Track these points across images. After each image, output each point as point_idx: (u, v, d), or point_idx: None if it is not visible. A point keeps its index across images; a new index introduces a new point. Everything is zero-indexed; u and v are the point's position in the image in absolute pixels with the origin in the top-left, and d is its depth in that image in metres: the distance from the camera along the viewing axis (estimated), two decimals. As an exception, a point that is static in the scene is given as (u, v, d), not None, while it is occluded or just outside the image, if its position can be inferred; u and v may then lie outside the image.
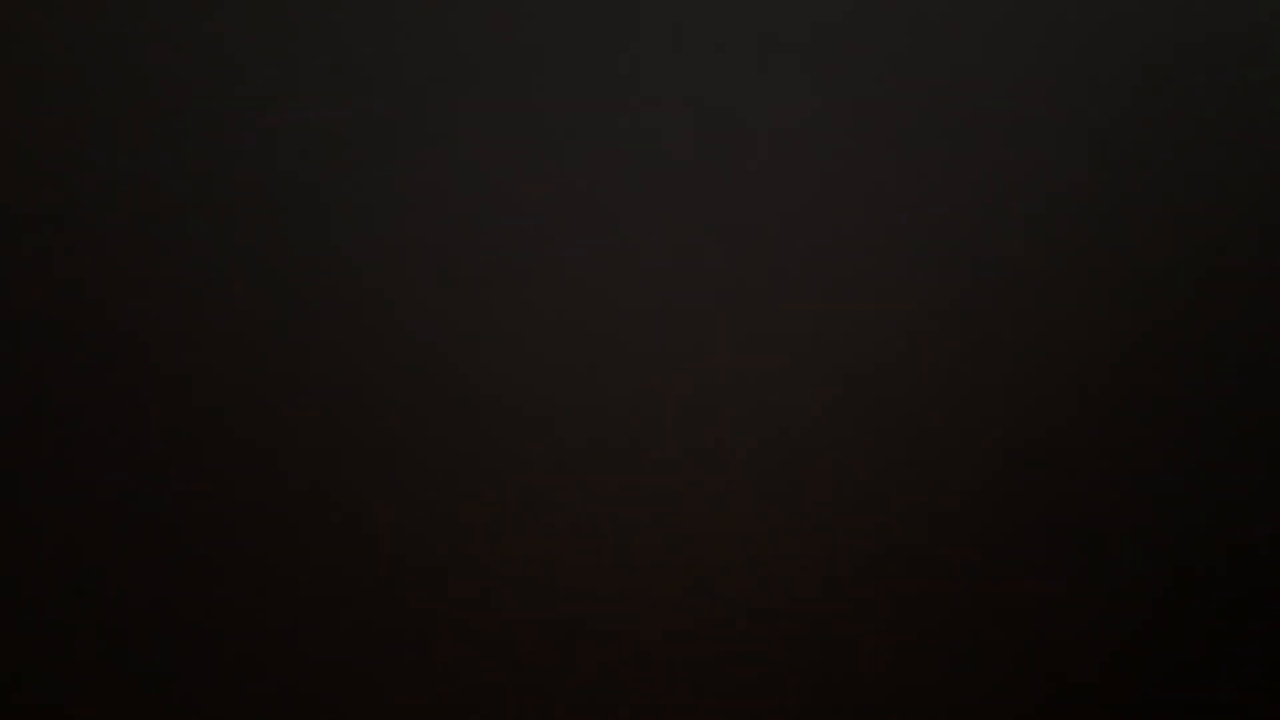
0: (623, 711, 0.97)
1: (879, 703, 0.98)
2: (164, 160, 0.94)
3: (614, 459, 0.96)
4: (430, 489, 0.95)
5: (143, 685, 0.93)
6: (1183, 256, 1.00)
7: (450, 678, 0.95)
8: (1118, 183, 1.00)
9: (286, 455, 0.94)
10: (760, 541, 0.97)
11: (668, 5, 0.97)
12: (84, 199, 0.93)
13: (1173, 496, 1.00)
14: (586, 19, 0.96)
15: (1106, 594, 0.99)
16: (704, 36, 0.97)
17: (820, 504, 0.97)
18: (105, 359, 0.93)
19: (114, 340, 0.93)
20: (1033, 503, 0.99)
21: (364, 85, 0.95)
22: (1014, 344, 0.99)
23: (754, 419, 0.97)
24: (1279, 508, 1.01)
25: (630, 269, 0.96)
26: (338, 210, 0.95)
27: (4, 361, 0.92)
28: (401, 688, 0.95)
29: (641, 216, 0.97)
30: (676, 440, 0.96)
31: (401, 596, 0.95)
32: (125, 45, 0.93)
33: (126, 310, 0.93)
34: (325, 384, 0.94)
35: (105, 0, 0.93)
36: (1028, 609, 0.99)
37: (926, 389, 0.98)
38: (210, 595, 0.94)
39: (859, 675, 0.98)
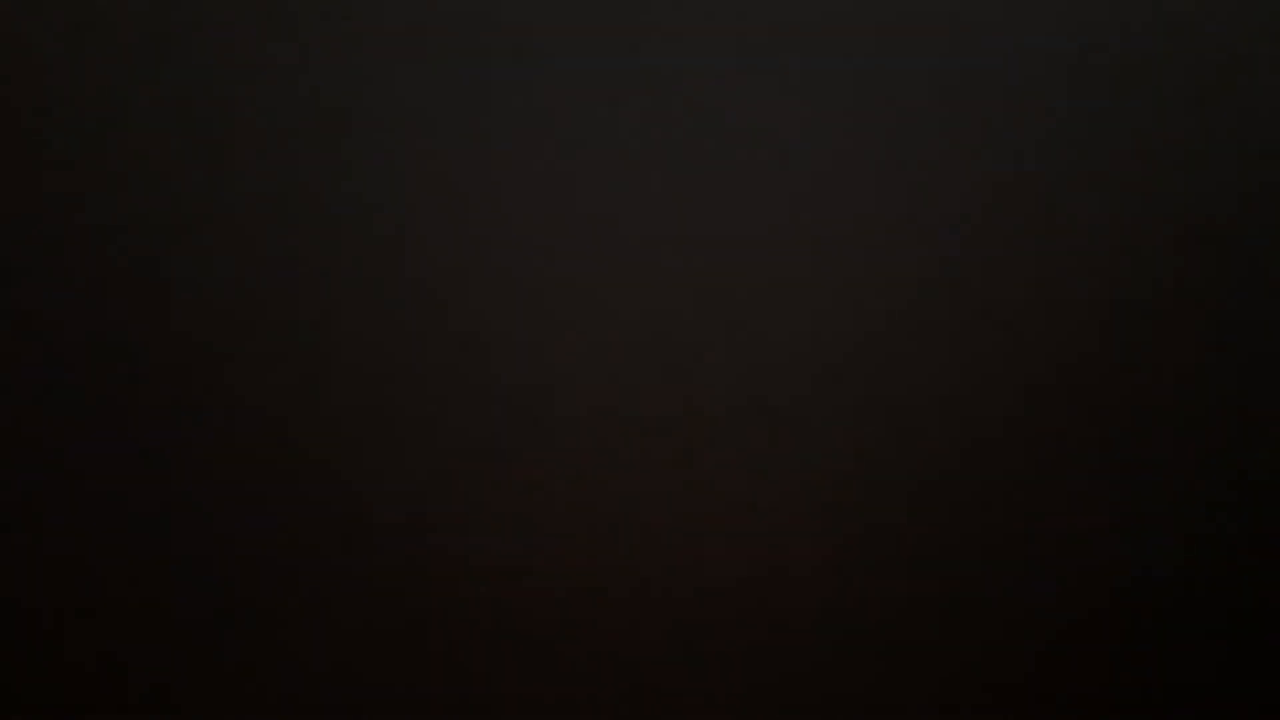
0: (613, 694, 0.97)
1: (867, 691, 0.98)
2: (169, 155, 0.94)
3: (607, 455, 0.96)
4: (423, 461, 0.95)
5: (147, 683, 0.94)
6: (1174, 249, 1.00)
7: (440, 667, 0.95)
8: (1116, 176, 1.00)
9: (293, 453, 0.94)
10: (753, 531, 0.97)
11: (670, 8, 0.97)
12: (89, 196, 0.94)
13: (1170, 487, 1.00)
14: (587, 21, 0.97)
15: (1098, 580, 0.99)
16: (706, 39, 0.97)
17: (810, 492, 0.97)
18: (112, 353, 0.93)
19: (121, 335, 0.93)
20: (1023, 486, 0.99)
21: (368, 82, 0.95)
22: (1006, 328, 0.99)
23: (747, 407, 0.97)
24: (1278, 507, 1.01)
25: (620, 259, 0.97)
26: (343, 208, 0.95)
27: (5, 361, 0.93)
28: (406, 678, 0.95)
29: (638, 213, 0.97)
30: (669, 436, 0.97)
31: (404, 584, 0.95)
32: (127, 40, 0.94)
33: (132, 306, 0.94)
34: (330, 382, 0.95)
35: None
36: (1017, 596, 0.99)
37: (915, 376, 0.98)
38: (213, 593, 0.94)
39: (848, 659, 0.98)
